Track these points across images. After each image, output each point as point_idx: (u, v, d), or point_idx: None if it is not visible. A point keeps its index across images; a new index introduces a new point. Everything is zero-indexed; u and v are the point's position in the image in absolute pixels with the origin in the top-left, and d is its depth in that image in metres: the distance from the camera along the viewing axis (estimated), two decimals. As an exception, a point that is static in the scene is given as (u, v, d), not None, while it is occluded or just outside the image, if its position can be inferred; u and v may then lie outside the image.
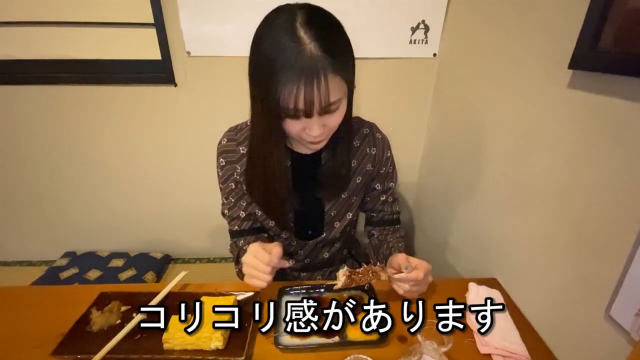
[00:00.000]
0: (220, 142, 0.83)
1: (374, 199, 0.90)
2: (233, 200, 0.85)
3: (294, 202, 0.81)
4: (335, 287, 0.70)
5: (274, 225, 0.86)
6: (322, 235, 0.88)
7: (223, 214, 0.89)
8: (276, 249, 0.70)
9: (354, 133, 0.83)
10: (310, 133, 0.63)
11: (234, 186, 0.84)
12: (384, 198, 0.90)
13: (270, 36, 0.58)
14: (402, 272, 0.69)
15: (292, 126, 0.64)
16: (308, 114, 0.60)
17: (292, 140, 0.79)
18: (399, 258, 0.72)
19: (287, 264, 0.72)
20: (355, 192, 0.86)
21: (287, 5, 0.60)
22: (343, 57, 0.60)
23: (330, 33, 0.60)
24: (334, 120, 0.65)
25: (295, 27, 0.56)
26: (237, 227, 0.87)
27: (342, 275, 0.69)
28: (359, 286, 0.78)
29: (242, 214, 0.86)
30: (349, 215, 0.88)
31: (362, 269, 0.70)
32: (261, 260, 0.69)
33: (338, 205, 0.85)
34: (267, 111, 0.62)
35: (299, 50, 0.55)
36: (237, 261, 0.88)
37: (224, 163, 0.82)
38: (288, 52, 0.56)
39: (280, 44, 0.56)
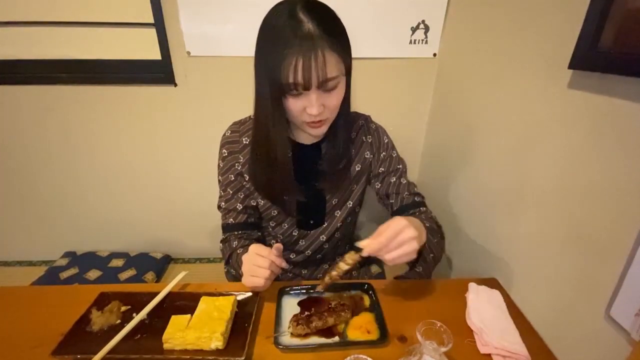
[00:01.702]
0: (224, 134, 0.85)
1: (383, 181, 0.88)
2: (231, 192, 0.86)
3: (296, 191, 0.81)
4: (317, 288, 0.71)
5: (276, 214, 0.87)
6: (324, 225, 0.90)
7: (219, 207, 0.89)
8: (276, 244, 0.72)
9: (351, 125, 0.85)
10: (310, 111, 0.66)
11: (233, 178, 0.85)
12: (394, 179, 0.87)
13: (273, 21, 0.64)
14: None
15: (293, 106, 0.67)
16: (306, 87, 0.63)
17: (293, 130, 0.81)
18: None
19: (285, 264, 0.73)
20: (354, 179, 0.87)
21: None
22: (339, 38, 0.65)
23: (328, 17, 0.65)
24: (333, 100, 0.68)
25: (295, 10, 0.62)
26: (231, 220, 0.88)
27: (322, 284, 0.70)
28: (359, 286, 0.79)
29: (239, 207, 0.86)
30: (349, 204, 0.89)
31: (333, 264, 0.69)
32: (261, 254, 0.70)
33: (339, 194, 0.87)
34: (271, 92, 0.66)
35: (298, 27, 0.61)
36: (228, 262, 0.89)
37: (226, 154, 0.84)
38: (288, 30, 0.61)
39: (281, 25, 0.62)
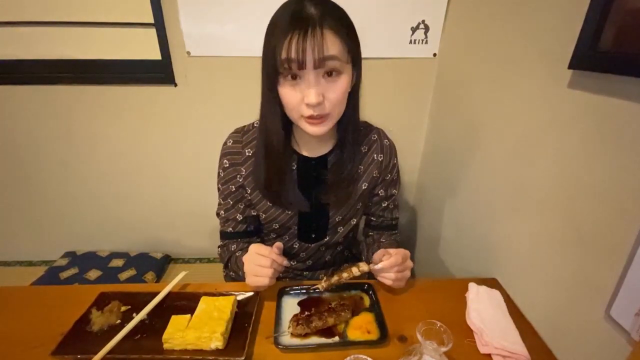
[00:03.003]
0: (225, 143, 0.82)
1: (375, 204, 0.91)
2: (231, 202, 0.85)
3: (299, 204, 0.80)
4: (318, 286, 0.73)
5: (277, 227, 0.86)
6: (325, 239, 0.89)
7: (218, 215, 0.89)
8: (277, 243, 0.72)
9: (361, 138, 0.83)
10: (308, 100, 0.61)
11: (234, 189, 0.83)
12: (385, 204, 0.91)
13: (280, 11, 0.63)
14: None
15: (290, 95, 0.64)
16: (301, 63, 0.59)
17: (299, 143, 0.79)
18: (378, 252, 0.74)
19: (286, 262, 0.72)
20: (360, 198, 0.85)
21: None
22: (344, 25, 0.63)
23: (334, 8, 0.63)
24: (334, 91, 0.64)
25: (303, 1, 0.61)
26: (230, 229, 0.87)
27: (323, 282, 0.72)
28: (359, 286, 0.79)
29: (239, 217, 0.86)
30: (353, 221, 0.89)
31: (342, 267, 0.73)
32: (262, 253, 0.69)
33: (343, 211, 0.85)
34: (268, 79, 0.64)
35: (299, 9, 0.60)
36: (227, 265, 0.88)
37: (227, 165, 0.81)
38: (289, 12, 0.60)
39: (285, 12, 0.61)
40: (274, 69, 0.61)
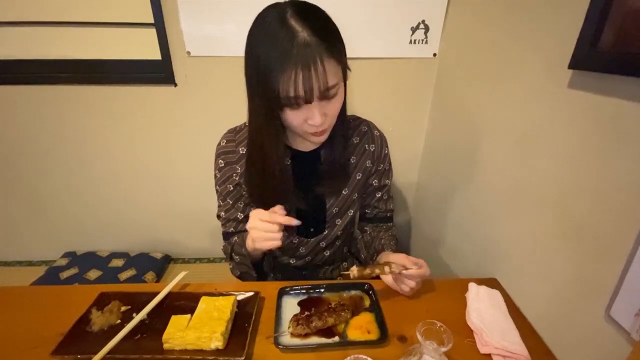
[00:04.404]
0: (219, 144, 0.83)
1: (369, 195, 0.92)
2: (231, 202, 0.85)
3: (296, 200, 0.81)
4: (351, 270, 0.72)
5: None
6: (324, 233, 0.89)
7: (218, 216, 0.89)
8: (277, 206, 0.70)
9: (352, 130, 0.84)
10: (312, 122, 0.64)
11: (231, 188, 0.83)
12: (379, 195, 0.92)
13: (263, 31, 0.61)
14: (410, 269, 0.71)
15: (294, 118, 0.64)
16: (308, 100, 0.61)
17: (290, 138, 0.80)
18: (400, 258, 0.73)
19: (296, 221, 0.70)
20: (355, 189, 0.86)
21: (276, 3, 0.63)
22: (334, 41, 0.62)
23: (319, 20, 0.62)
24: (334, 107, 0.66)
25: (286, 18, 0.58)
26: (232, 229, 0.87)
27: (355, 271, 0.71)
28: (359, 286, 0.79)
29: (240, 216, 0.86)
30: (350, 213, 0.89)
31: (376, 263, 0.74)
32: (266, 219, 0.68)
33: (339, 203, 0.86)
34: (267, 105, 0.64)
35: (292, 37, 0.57)
36: (231, 257, 0.88)
37: (222, 164, 0.82)
38: (282, 41, 0.57)
39: (273, 36, 0.58)
40: (278, 102, 0.61)
